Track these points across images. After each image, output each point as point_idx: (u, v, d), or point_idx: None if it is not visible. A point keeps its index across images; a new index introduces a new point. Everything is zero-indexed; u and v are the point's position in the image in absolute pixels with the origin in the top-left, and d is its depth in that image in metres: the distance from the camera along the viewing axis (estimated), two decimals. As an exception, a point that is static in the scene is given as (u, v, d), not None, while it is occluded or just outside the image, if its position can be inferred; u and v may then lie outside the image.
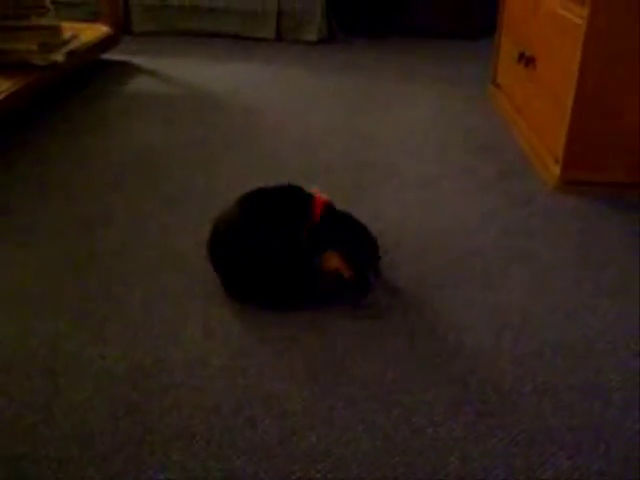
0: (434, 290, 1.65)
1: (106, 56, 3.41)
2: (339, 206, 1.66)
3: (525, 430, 1.24)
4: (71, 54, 2.87)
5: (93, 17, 3.66)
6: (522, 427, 1.24)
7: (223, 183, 2.18)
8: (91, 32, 3.24)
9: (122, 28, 3.60)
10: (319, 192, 1.64)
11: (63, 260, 1.73)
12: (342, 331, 1.49)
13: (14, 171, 2.25)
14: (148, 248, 1.80)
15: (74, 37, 2.97)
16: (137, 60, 3.51)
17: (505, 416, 1.27)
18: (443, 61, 3.79)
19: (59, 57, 2.76)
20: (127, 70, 3.37)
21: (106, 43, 3.31)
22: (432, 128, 2.75)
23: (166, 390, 1.31)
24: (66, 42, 2.88)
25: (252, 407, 1.27)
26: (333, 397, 1.30)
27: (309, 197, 1.61)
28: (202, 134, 2.59)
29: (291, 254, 1.51)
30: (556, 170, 2.21)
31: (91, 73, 3.23)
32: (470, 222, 2.00)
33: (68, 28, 2.98)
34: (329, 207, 1.62)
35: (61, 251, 1.78)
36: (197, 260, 1.72)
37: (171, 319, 1.52)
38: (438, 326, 1.52)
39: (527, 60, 2.59)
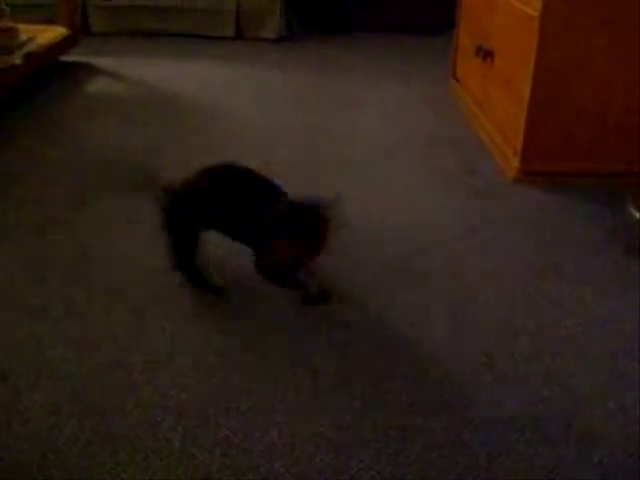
0: (394, 284, 1.67)
1: (64, 58, 3.37)
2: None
3: (486, 419, 1.25)
4: (29, 56, 2.84)
5: (51, 19, 3.62)
6: (483, 416, 1.26)
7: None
8: (49, 34, 3.20)
9: (80, 29, 3.56)
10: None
11: (18, 265, 1.72)
12: (298, 324, 1.50)
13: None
14: (105, 254, 1.79)
15: (31, 39, 2.94)
16: (95, 61, 3.47)
17: (466, 406, 1.28)
18: (406, 56, 3.81)
19: (17, 60, 2.73)
20: (86, 71, 3.34)
21: (64, 44, 3.27)
22: (393, 123, 2.76)
23: (128, 391, 1.30)
24: (23, 44, 2.85)
25: (215, 405, 1.27)
26: (296, 392, 1.31)
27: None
28: (162, 135, 2.57)
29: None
30: (515, 162, 2.23)
31: (50, 75, 3.19)
32: (430, 215, 2.01)
33: (25, 30, 2.95)
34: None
35: (16, 256, 1.76)
36: (154, 264, 1.71)
37: (131, 321, 1.51)
38: (396, 322, 1.53)
39: (485, 54, 2.61)
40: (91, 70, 3.36)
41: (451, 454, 1.17)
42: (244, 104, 2.95)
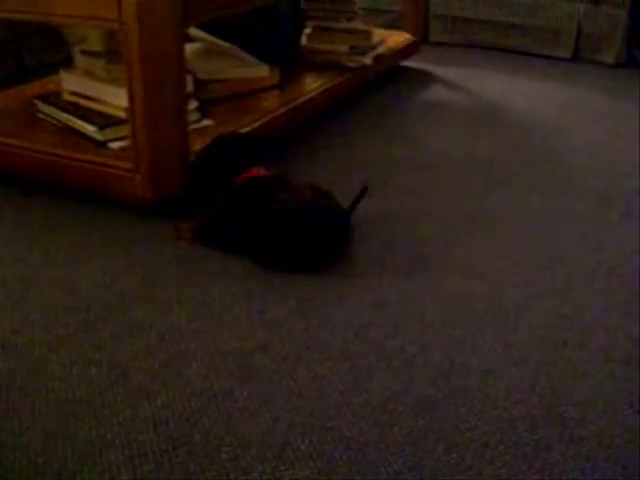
0: None
1: (404, 63, 3.52)
2: None
3: None
4: (377, 58, 3.01)
5: (388, 25, 3.80)
6: None
7: (515, 202, 2.20)
8: (395, 39, 3.37)
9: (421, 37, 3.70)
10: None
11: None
12: None
13: (318, 156, 2.46)
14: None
15: (381, 42, 3.11)
16: (431, 69, 3.59)
17: None
18: None
19: (367, 60, 2.92)
20: (422, 78, 3.46)
21: (408, 50, 3.42)
22: None
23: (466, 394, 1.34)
24: (374, 46, 3.03)
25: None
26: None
27: None
28: (495, 149, 2.61)
29: None
30: None
31: (390, 77, 3.35)
32: None
33: (375, 33, 3.13)
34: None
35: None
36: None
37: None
38: None
39: None
40: (427, 77, 3.47)
41: None
42: (580, 128, 2.87)
